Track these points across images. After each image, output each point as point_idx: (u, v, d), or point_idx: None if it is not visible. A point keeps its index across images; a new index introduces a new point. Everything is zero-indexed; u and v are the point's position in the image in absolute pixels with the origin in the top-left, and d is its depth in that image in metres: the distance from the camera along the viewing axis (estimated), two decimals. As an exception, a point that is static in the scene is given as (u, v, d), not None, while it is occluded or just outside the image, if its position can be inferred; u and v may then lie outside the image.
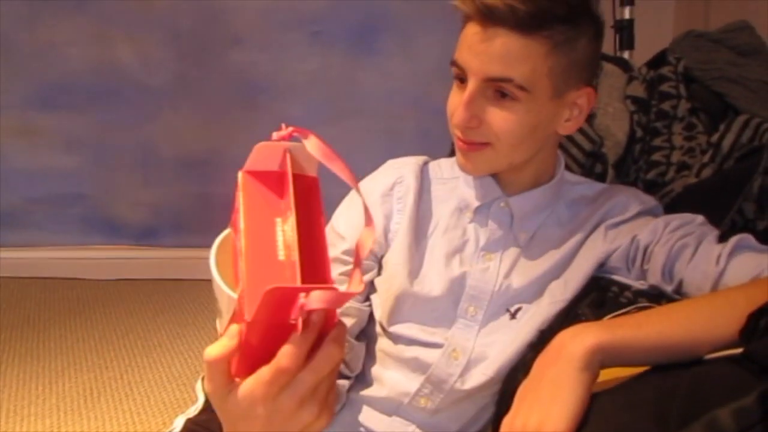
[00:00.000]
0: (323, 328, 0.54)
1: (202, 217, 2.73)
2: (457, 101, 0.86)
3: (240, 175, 0.58)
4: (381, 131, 2.61)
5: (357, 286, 0.55)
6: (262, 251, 0.55)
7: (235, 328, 0.55)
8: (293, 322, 0.52)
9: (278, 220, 0.56)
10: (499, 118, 0.84)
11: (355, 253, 0.56)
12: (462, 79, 0.86)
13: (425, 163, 1.00)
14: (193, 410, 1.04)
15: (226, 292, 0.98)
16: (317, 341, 0.54)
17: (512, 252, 0.91)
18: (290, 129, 0.58)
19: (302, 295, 0.51)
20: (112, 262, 2.76)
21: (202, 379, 1.04)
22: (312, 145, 0.57)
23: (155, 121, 2.67)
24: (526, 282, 0.89)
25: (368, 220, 0.58)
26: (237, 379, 0.55)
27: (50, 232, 2.74)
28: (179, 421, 1.02)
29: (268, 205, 0.57)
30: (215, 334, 2.43)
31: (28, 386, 1.91)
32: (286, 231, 0.56)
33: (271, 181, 0.58)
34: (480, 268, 0.90)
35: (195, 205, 2.73)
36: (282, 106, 2.61)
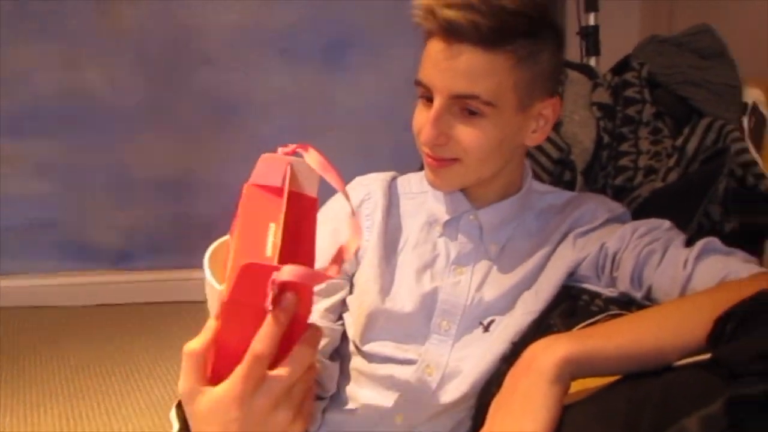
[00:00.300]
0: (296, 330, 0.55)
1: (178, 238, 2.71)
2: (423, 119, 0.86)
3: (245, 187, 0.61)
4: (354, 146, 2.60)
5: (333, 272, 0.55)
6: (250, 247, 0.57)
7: (213, 321, 0.55)
8: (267, 307, 0.53)
9: (272, 224, 0.58)
10: (467, 134, 0.84)
11: (338, 251, 0.57)
12: (428, 98, 0.86)
13: (393, 179, 1.00)
14: (167, 438, 1.02)
15: (216, 289, 0.97)
16: (290, 342, 0.55)
17: (483, 265, 0.91)
18: (294, 146, 0.62)
19: (276, 274, 0.52)
20: (88, 287, 2.72)
21: (177, 405, 1.02)
22: (311, 156, 0.60)
23: (126, 143, 2.64)
24: (498, 294, 0.89)
25: (354, 224, 0.61)
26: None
27: (23, 260, 2.70)
28: (153, 450, 1.00)
29: (266, 212, 0.59)
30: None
31: (1, 420, 1.87)
32: (277, 234, 0.58)
33: (273, 193, 0.61)
34: (451, 282, 0.90)
35: (170, 227, 2.70)
36: (254, 124, 2.60)
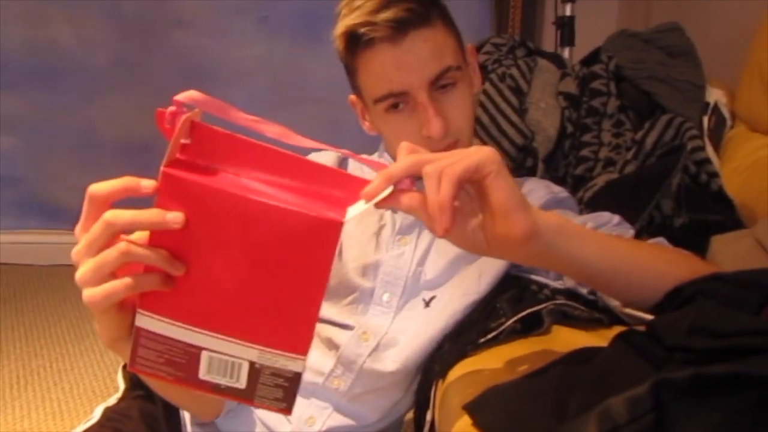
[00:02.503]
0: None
1: (142, 202, 2.68)
2: (409, 127, 0.87)
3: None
4: (325, 119, 2.59)
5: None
6: None
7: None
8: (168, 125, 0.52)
9: None
10: (455, 108, 0.87)
11: None
12: (394, 105, 0.87)
13: (344, 159, 1.00)
14: (113, 399, 1.02)
15: None
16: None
17: (426, 236, 0.92)
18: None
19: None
20: (48, 246, 2.68)
21: (123, 367, 1.02)
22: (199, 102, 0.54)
23: (94, 103, 2.60)
24: (439, 268, 0.90)
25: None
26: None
27: (-17, 216, 2.66)
28: (98, 411, 1.00)
29: None
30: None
31: (-49, 374, 1.84)
32: None
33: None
34: (394, 254, 0.91)
35: (135, 191, 2.68)
36: (226, 91, 2.57)
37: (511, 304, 0.87)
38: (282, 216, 0.51)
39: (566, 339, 0.82)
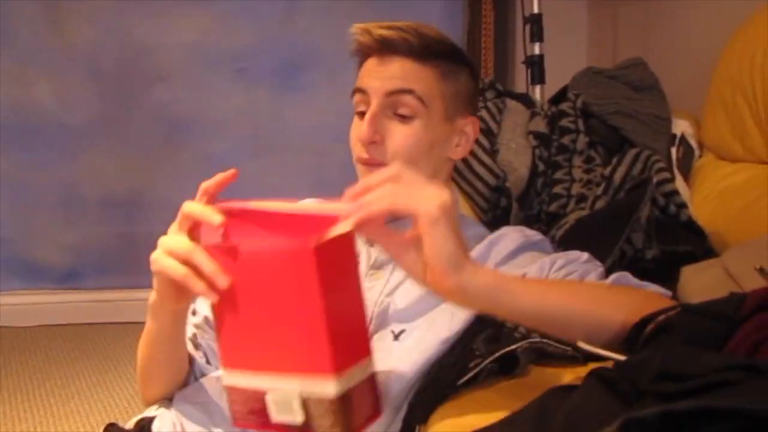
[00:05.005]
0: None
1: (126, 257, 2.67)
2: (359, 129, 0.93)
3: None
4: (307, 166, 2.61)
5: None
6: None
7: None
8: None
9: None
10: (400, 133, 0.91)
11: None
12: (362, 112, 0.93)
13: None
14: (95, 465, 1.00)
15: None
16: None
17: (400, 271, 0.92)
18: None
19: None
20: (32, 307, 2.65)
21: (104, 430, 1.00)
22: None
23: (76, 160, 2.61)
24: (408, 302, 0.90)
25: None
26: None
27: (-36, 278, 2.63)
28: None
29: None
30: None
31: (-68, 443, 1.81)
32: None
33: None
34: (365, 287, 0.91)
35: (118, 246, 2.66)
36: (206, 143, 2.60)
37: (488, 344, 0.87)
38: (265, 256, 0.63)
39: (544, 378, 0.82)
